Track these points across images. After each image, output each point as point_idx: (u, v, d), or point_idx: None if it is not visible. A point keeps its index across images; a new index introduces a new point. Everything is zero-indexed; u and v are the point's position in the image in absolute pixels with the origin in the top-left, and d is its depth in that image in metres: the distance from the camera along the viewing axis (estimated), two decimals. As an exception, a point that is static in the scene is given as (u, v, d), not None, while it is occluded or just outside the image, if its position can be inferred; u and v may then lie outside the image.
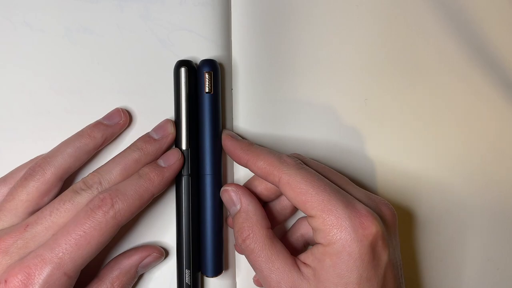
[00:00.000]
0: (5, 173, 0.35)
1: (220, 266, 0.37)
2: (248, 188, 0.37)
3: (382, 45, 0.40)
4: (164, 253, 0.37)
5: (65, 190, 0.33)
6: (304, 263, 0.32)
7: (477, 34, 0.41)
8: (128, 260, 0.35)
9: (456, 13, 0.41)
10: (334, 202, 0.31)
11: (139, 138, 0.36)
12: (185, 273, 0.35)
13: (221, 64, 0.37)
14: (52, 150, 0.34)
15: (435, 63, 0.41)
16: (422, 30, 0.41)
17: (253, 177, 0.37)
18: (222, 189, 0.36)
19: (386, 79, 0.40)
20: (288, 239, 0.37)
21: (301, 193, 0.32)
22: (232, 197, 0.35)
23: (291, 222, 0.38)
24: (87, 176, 0.33)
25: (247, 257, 0.33)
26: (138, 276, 0.36)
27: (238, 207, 0.34)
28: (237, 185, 0.35)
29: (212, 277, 0.36)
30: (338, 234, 0.30)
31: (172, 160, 0.35)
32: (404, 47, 0.40)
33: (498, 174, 0.41)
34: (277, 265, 0.32)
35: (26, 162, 0.35)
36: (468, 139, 0.41)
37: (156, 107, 0.37)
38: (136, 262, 0.35)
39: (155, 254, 0.36)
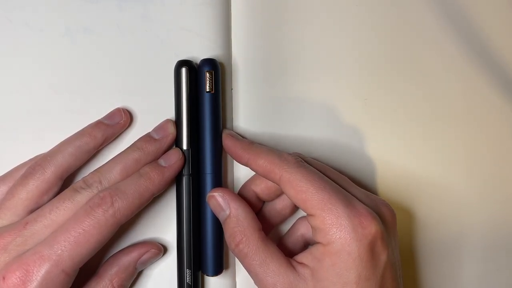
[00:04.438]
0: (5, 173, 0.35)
1: (220, 265, 0.37)
2: (248, 187, 0.37)
3: (382, 45, 0.40)
4: (162, 249, 0.37)
5: (65, 189, 0.33)
6: (301, 263, 0.32)
7: (477, 34, 0.41)
8: (127, 256, 0.35)
9: (456, 13, 0.41)
10: (334, 201, 0.31)
11: (139, 138, 0.36)
12: (186, 273, 0.35)
13: (221, 64, 0.37)
14: (52, 149, 0.34)
15: (435, 63, 0.41)
16: (422, 30, 0.40)
17: (253, 176, 0.37)
18: (208, 195, 0.35)
19: (386, 79, 0.40)
20: (287, 240, 0.37)
21: (301, 191, 0.32)
22: (219, 202, 0.34)
23: (291, 222, 0.38)
24: (87, 175, 0.34)
25: (241, 262, 0.33)
26: (137, 273, 0.36)
27: (227, 212, 0.34)
28: (224, 189, 0.35)
29: (213, 276, 0.36)
30: (338, 233, 0.30)
31: (173, 159, 0.35)
32: (404, 47, 0.40)
33: (498, 174, 0.41)
34: (272, 268, 0.32)
35: (25, 161, 0.35)
36: (468, 138, 0.41)
37: (156, 107, 0.37)
38: (134, 259, 0.35)
39: (153, 250, 0.36)
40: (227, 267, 0.38)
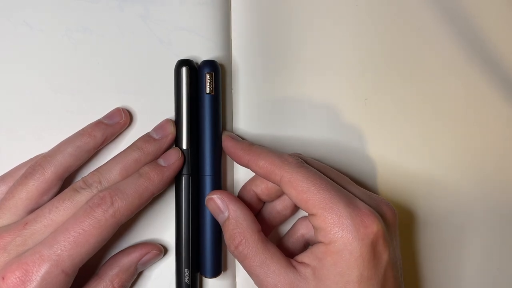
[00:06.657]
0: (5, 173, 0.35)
1: (219, 267, 0.36)
2: (248, 188, 0.37)
3: (382, 45, 0.40)
4: (163, 250, 0.37)
5: (65, 189, 0.33)
6: (302, 263, 0.32)
7: (477, 33, 0.41)
8: (128, 257, 0.35)
9: (456, 13, 0.41)
10: (336, 200, 0.31)
11: (139, 138, 0.36)
12: (184, 273, 0.35)
13: (221, 65, 0.37)
14: (52, 149, 0.34)
15: (435, 63, 0.41)
16: (422, 30, 0.41)
17: (253, 177, 0.37)
18: (206, 197, 0.35)
19: (386, 79, 0.40)
20: (288, 240, 0.37)
21: (302, 192, 0.31)
22: (218, 204, 0.34)
23: (291, 223, 0.38)
24: (87, 175, 0.33)
25: (241, 263, 0.33)
26: (137, 273, 0.36)
27: (226, 214, 0.34)
28: (222, 192, 0.35)
29: (211, 278, 0.36)
30: (340, 232, 0.30)
31: (173, 159, 0.35)
32: (404, 47, 0.40)
33: (499, 174, 0.41)
34: (273, 268, 0.31)
35: (25, 161, 0.35)
36: (468, 138, 0.41)
37: (156, 107, 0.37)
38: (135, 260, 0.35)
39: (154, 251, 0.36)
40: (225, 269, 0.38)
